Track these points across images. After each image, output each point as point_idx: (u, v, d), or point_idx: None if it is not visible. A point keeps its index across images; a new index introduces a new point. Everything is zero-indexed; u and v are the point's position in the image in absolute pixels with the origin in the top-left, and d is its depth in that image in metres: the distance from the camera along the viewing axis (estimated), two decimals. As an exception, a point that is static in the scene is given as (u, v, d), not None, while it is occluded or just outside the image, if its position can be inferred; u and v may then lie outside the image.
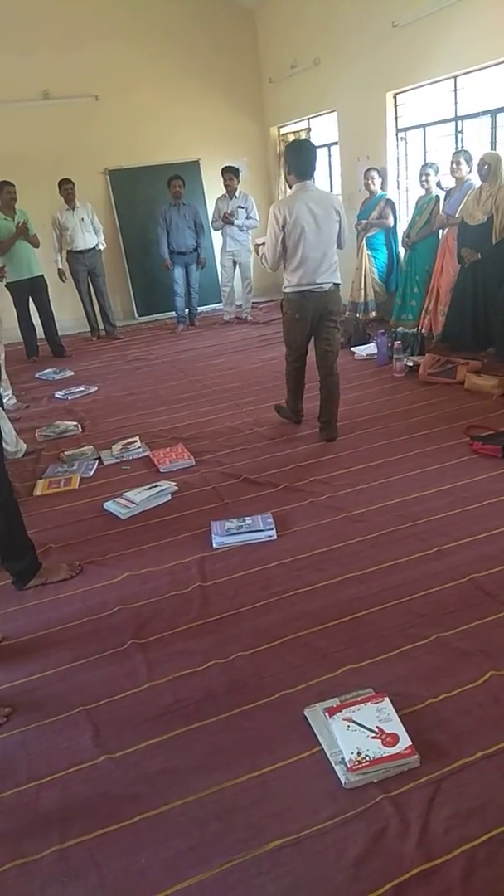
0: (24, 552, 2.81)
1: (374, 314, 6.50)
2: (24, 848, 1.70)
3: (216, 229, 7.47)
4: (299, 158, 3.72)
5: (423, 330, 5.75)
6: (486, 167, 4.90)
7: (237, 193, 7.27)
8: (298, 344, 4.07)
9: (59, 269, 7.05)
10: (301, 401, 4.30)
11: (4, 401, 5.16)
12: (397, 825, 1.65)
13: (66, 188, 6.94)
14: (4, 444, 4.07)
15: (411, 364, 5.11)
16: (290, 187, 3.84)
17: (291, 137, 8.19)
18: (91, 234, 7.15)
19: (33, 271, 6.65)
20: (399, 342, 5.29)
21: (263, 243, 4.01)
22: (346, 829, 1.66)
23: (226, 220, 7.23)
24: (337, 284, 3.93)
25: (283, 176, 8.10)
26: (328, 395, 4.05)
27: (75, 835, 1.72)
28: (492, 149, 5.26)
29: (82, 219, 7.08)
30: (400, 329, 5.75)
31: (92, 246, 7.14)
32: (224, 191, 7.30)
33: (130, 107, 7.81)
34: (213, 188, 7.87)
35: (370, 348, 5.64)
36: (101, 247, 7.21)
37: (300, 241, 3.71)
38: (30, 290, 6.72)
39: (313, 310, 3.88)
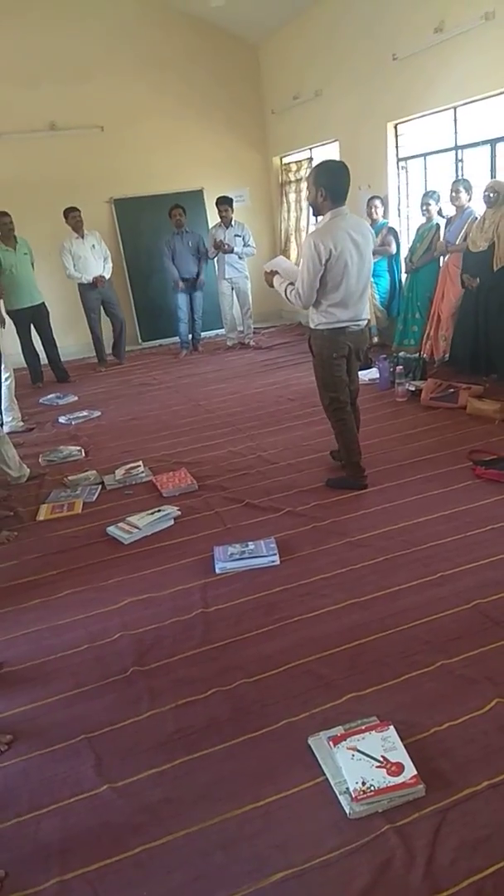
0: None
1: (376, 339, 6.54)
2: (25, 879, 1.67)
3: (211, 257, 7.54)
4: (338, 181, 3.25)
5: (425, 355, 5.79)
6: (493, 194, 4.95)
7: (233, 222, 7.38)
8: (340, 385, 3.58)
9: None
10: (360, 454, 3.72)
11: (12, 424, 5.23)
12: (403, 856, 1.63)
13: (74, 216, 7.00)
14: (7, 470, 4.12)
15: (413, 389, 5.13)
16: (318, 214, 3.37)
17: (294, 167, 8.32)
18: (100, 261, 7.22)
19: (35, 299, 6.71)
20: (401, 367, 5.33)
21: (276, 271, 3.63)
22: (350, 860, 1.63)
23: (218, 247, 7.32)
24: (368, 320, 3.63)
25: (301, 206, 8.22)
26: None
27: (76, 866, 1.70)
28: (492, 177, 5.34)
29: (93, 246, 7.16)
30: (402, 354, 5.78)
31: (100, 274, 7.18)
32: (219, 220, 7.40)
33: (135, 137, 7.96)
34: (216, 217, 7.97)
35: (372, 373, 5.67)
36: (106, 275, 7.26)
37: (344, 276, 3.29)
38: (31, 318, 6.78)
39: (350, 347, 3.52)
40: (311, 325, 3.55)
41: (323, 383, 3.64)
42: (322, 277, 3.30)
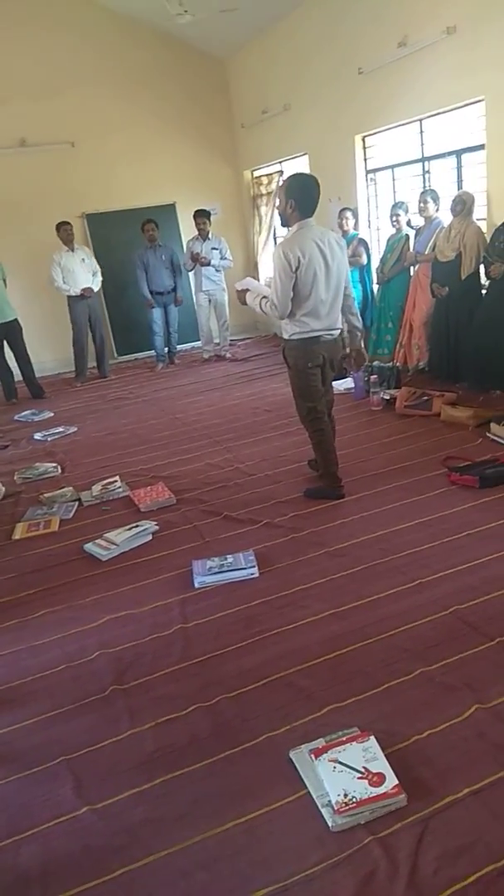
0: None
1: (349, 350, 6.57)
2: (4, 908, 1.64)
3: (189, 270, 7.59)
4: (308, 194, 3.32)
5: (399, 364, 5.84)
6: (460, 205, 5.01)
7: (210, 235, 7.42)
8: (317, 395, 3.62)
9: None
10: (336, 464, 3.76)
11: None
12: (386, 867, 1.62)
13: (66, 229, 7.05)
14: None
15: (388, 397, 5.17)
16: (286, 224, 3.44)
17: (265, 181, 8.39)
18: (89, 275, 7.23)
19: (7, 315, 6.67)
20: (375, 376, 5.37)
21: (247, 289, 3.68)
22: (334, 873, 1.63)
23: (196, 259, 7.35)
24: (341, 331, 3.66)
25: (270, 220, 8.28)
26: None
27: (58, 891, 1.67)
28: (458, 188, 5.42)
29: (83, 259, 7.19)
30: (376, 363, 5.83)
31: (88, 286, 7.17)
32: (196, 233, 7.44)
33: (106, 153, 7.97)
34: (188, 230, 8.00)
35: (347, 383, 5.70)
36: (95, 287, 7.25)
37: (313, 284, 3.33)
38: (4, 335, 6.74)
39: (325, 357, 3.55)
40: (285, 336, 3.57)
41: (299, 393, 3.66)
42: (294, 287, 3.34)
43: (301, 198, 3.32)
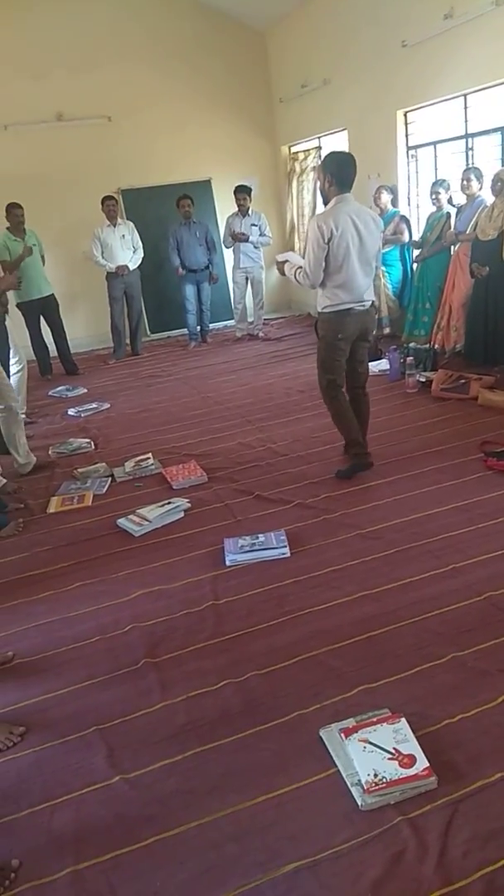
0: None
1: (387, 330, 6.51)
2: (39, 869, 1.69)
3: (227, 247, 7.55)
4: (345, 169, 3.47)
5: (436, 346, 5.75)
6: (500, 183, 4.90)
7: (250, 211, 7.35)
8: (338, 367, 3.72)
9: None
10: (360, 432, 3.85)
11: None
12: (415, 848, 1.63)
13: (109, 204, 7.04)
14: (16, 455, 4.18)
15: (424, 380, 5.10)
16: (326, 201, 3.58)
17: (302, 156, 8.27)
18: (128, 252, 7.22)
19: (43, 291, 6.71)
20: (411, 358, 5.29)
21: (287, 260, 3.84)
22: (363, 851, 1.64)
23: (236, 237, 7.30)
24: (374, 303, 3.77)
25: (305, 196, 8.21)
26: (360, 417, 3.88)
27: (90, 857, 1.71)
28: (502, 165, 5.27)
29: (123, 236, 7.17)
30: (412, 345, 5.74)
31: (124, 264, 7.17)
32: (236, 209, 7.38)
33: (143, 127, 7.91)
34: (224, 207, 7.94)
35: (382, 364, 5.64)
36: (131, 265, 7.23)
37: (346, 257, 3.45)
38: (41, 310, 6.79)
39: (354, 329, 3.64)
40: (318, 309, 3.69)
41: (322, 364, 3.77)
42: (326, 258, 3.47)
43: (338, 172, 3.47)
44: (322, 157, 4.02)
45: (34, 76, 7.38)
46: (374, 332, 6.33)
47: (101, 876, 1.66)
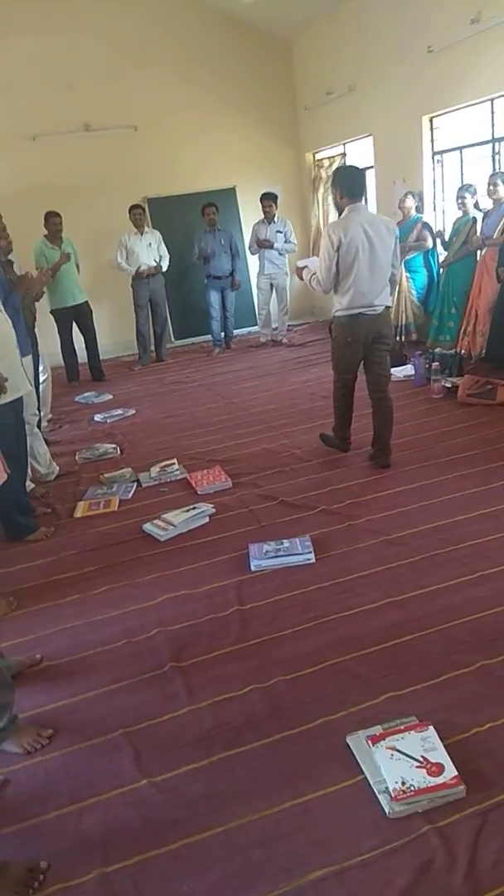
0: None
1: (414, 336, 6.48)
2: (67, 871, 1.70)
3: (253, 253, 7.59)
4: (352, 180, 3.74)
5: (462, 351, 5.70)
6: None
7: (276, 218, 7.38)
8: (349, 369, 3.97)
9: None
10: (349, 428, 4.19)
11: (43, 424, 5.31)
12: (444, 857, 1.61)
13: (136, 213, 7.15)
14: (36, 465, 4.20)
15: (450, 385, 5.07)
16: (341, 212, 3.80)
17: (327, 163, 8.28)
18: (153, 262, 7.29)
19: (77, 298, 6.80)
20: (437, 363, 5.26)
21: (306, 266, 4.02)
22: (390, 860, 1.62)
23: (261, 244, 7.33)
24: (388, 307, 3.89)
25: (330, 202, 8.22)
26: (383, 421, 3.94)
27: (117, 859, 1.71)
28: (529, 170, 5.24)
29: (150, 244, 7.26)
30: (437, 350, 5.71)
31: (148, 266, 7.22)
32: (262, 216, 7.41)
33: (168, 136, 8.00)
34: (249, 214, 7.98)
35: (407, 369, 5.61)
36: (153, 264, 7.26)
37: (354, 263, 3.64)
38: (74, 317, 6.87)
39: (365, 333, 3.80)
40: (333, 312, 3.90)
41: (335, 364, 4.06)
42: (336, 264, 3.67)
43: (347, 185, 3.70)
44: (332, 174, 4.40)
45: (62, 87, 7.50)
46: (401, 339, 6.35)
47: (129, 879, 1.66)
